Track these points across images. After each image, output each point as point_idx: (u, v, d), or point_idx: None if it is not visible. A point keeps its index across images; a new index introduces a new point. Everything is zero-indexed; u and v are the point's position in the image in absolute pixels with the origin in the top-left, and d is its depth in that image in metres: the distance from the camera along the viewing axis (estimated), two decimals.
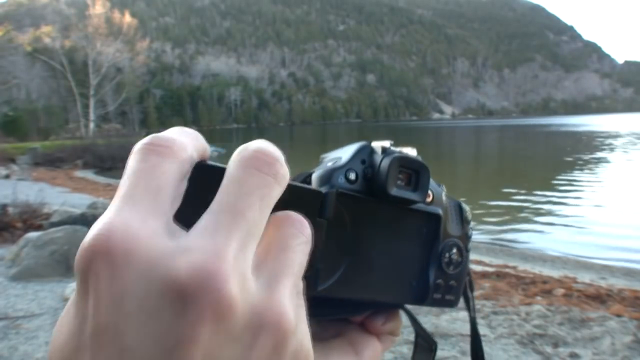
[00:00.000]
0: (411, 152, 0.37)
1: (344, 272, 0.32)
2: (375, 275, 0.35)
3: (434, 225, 0.38)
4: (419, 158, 0.37)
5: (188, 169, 0.22)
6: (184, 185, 0.22)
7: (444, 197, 0.39)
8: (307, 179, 0.34)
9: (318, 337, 0.29)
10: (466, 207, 0.41)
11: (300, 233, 0.24)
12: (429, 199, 0.37)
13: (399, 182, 0.35)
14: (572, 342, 3.17)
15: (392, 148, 0.36)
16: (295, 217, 0.24)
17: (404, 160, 0.35)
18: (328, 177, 0.33)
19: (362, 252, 0.33)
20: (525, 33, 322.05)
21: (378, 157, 0.35)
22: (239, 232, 0.20)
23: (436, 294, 0.38)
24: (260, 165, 0.22)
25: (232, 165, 0.22)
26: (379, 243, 0.34)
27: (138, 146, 0.22)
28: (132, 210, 0.20)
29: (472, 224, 0.41)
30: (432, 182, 0.37)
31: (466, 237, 0.40)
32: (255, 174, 0.21)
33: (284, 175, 0.23)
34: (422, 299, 0.38)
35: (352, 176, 0.34)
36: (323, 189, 0.32)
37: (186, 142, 0.23)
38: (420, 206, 0.36)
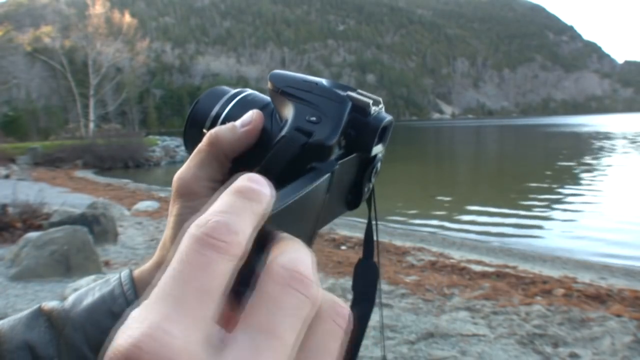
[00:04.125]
0: (380, 104, 0.38)
1: None
2: (331, 205, 0.36)
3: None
4: (388, 114, 0.38)
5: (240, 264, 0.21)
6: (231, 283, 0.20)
7: None
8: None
9: None
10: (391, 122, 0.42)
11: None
12: None
13: (376, 139, 0.37)
14: (572, 342, 3.17)
15: (375, 107, 0.37)
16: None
17: (387, 123, 0.37)
18: (326, 150, 0.33)
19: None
20: (525, 33, 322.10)
21: (363, 120, 0.36)
22: (278, 357, 0.19)
23: (363, 198, 0.42)
24: (298, 285, 0.20)
25: (266, 280, 0.20)
26: (338, 182, 0.36)
27: (195, 232, 0.19)
28: (176, 316, 0.18)
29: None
30: None
31: (384, 146, 0.42)
32: (292, 293, 0.20)
33: (317, 297, 0.21)
34: (354, 207, 0.41)
35: (344, 142, 0.35)
36: (326, 168, 0.32)
37: (248, 230, 0.21)
38: None
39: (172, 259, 0.19)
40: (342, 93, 0.36)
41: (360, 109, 0.36)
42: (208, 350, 0.18)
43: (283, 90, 0.36)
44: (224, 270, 0.19)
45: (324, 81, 0.37)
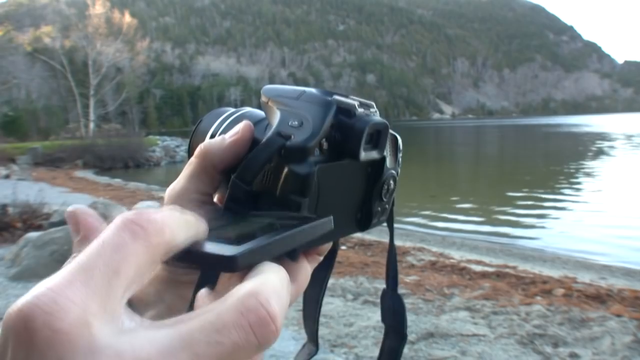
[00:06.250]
0: (372, 108, 0.37)
1: None
2: (333, 220, 0.36)
3: (379, 166, 0.39)
4: (380, 118, 0.37)
5: (162, 255, 0.21)
6: (151, 271, 0.21)
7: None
8: (277, 142, 0.33)
9: None
10: (399, 137, 0.42)
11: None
12: None
13: (365, 144, 0.35)
14: (572, 342, 3.17)
15: (361, 110, 0.36)
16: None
17: (375, 124, 0.36)
18: (304, 152, 0.33)
19: (323, 206, 0.34)
20: (525, 33, 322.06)
21: (349, 121, 0.35)
22: None
23: (375, 220, 0.40)
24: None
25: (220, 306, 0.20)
26: (334, 193, 0.35)
27: (119, 218, 0.21)
28: (80, 286, 0.18)
29: (401, 149, 0.42)
30: None
31: (398, 165, 0.42)
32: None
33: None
34: (365, 228, 0.40)
35: (325, 145, 0.34)
36: (302, 169, 0.32)
37: (170, 226, 0.21)
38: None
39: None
40: (328, 97, 0.36)
41: (346, 111, 0.35)
42: (106, 326, 0.18)
43: (272, 100, 0.37)
44: (137, 254, 0.20)
45: (313, 89, 0.37)
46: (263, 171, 0.33)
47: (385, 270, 0.45)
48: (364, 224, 0.40)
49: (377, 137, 0.37)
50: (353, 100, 0.36)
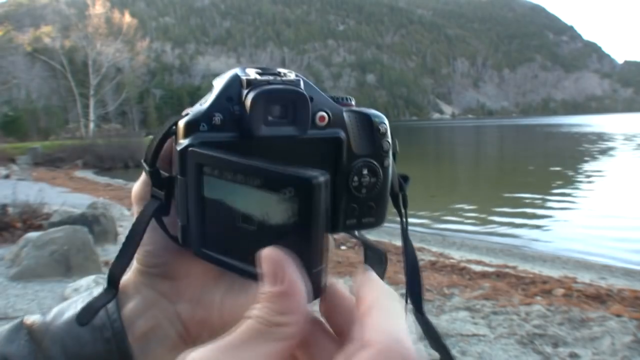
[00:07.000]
0: (289, 75, 0.33)
1: None
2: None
3: (333, 149, 0.33)
4: (294, 86, 0.32)
5: None
6: None
7: (345, 116, 0.34)
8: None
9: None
10: (379, 119, 0.35)
11: None
12: (324, 122, 0.33)
13: (270, 118, 0.31)
14: (572, 342, 3.16)
15: (261, 77, 0.31)
16: None
17: (273, 93, 0.31)
18: (187, 129, 0.30)
19: None
20: (525, 33, 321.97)
21: (244, 92, 0.31)
22: None
23: (349, 220, 0.35)
24: None
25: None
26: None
27: (371, 353, 0.21)
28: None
29: (388, 134, 0.36)
30: (329, 101, 0.34)
31: (382, 152, 0.35)
32: None
33: None
34: (333, 227, 0.35)
35: (218, 119, 0.30)
36: (179, 147, 0.29)
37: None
38: (313, 133, 0.32)
39: None
40: (234, 71, 0.33)
41: (244, 82, 0.31)
42: None
43: (213, 86, 0.35)
44: None
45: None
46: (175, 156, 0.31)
47: (406, 286, 0.41)
48: (332, 223, 0.34)
49: (293, 109, 0.31)
50: (260, 69, 0.32)
